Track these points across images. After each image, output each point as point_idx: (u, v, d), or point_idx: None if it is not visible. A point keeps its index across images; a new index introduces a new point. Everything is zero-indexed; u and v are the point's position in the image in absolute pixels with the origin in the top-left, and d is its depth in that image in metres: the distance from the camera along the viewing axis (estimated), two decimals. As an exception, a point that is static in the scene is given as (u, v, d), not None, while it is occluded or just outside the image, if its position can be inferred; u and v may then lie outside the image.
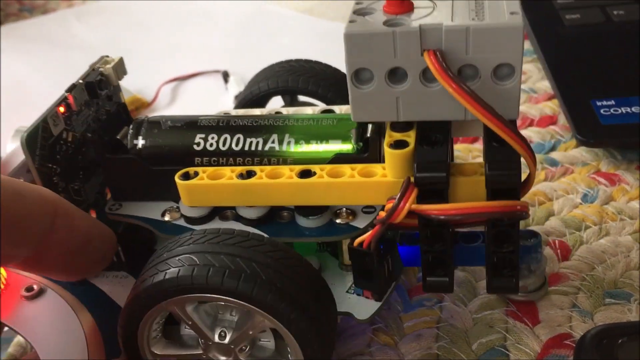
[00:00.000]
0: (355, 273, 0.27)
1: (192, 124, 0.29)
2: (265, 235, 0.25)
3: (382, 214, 0.24)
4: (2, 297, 0.29)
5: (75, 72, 0.31)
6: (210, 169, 0.27)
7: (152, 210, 0.29)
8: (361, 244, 0.25)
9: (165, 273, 0.24)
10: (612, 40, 0.46)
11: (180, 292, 0.24)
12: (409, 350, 0.29)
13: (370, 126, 0.28)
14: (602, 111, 0.39)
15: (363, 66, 0.24)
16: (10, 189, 0.23)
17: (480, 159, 0.40)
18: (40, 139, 0.27)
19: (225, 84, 0.52)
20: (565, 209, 0.36)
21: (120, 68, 0.31)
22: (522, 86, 0.46)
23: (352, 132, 0.28)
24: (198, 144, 0.29)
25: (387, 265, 0.27)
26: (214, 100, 0.51)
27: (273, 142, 0.28)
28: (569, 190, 0.37)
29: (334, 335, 0.27)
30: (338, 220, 0.27)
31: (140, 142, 0.29)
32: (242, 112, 0.33)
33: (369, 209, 0.28)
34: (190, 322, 0.25)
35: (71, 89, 0.29)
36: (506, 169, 0.23)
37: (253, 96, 0.36)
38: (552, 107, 0.45)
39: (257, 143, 0.28)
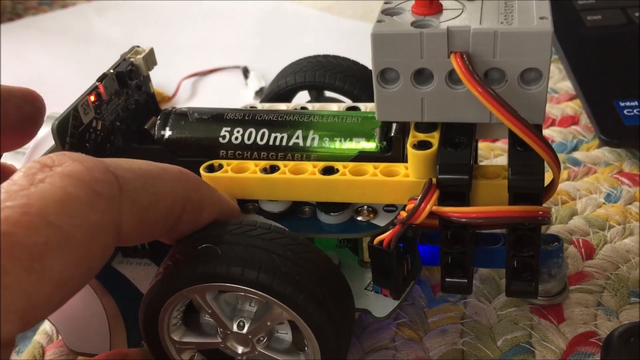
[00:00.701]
0: (374, 271, 0.27)
1: (219, 117, 0.30)
2: (286, 230, 0.25)
3: (403, 213, 0.24)
4: None
5: (95, 65, 0.31)
6: (234, 162, 0.28)
7: (177, 201, 0.30)
8: (381, 242, 0.26)
9: (188, 262, 0.24)
10: (633, 42, 0.46)
11: (202, 280, 0.24)
12: (433, 345, 0.29)
13: (394, 125, 0.28)
14: (625, 112, 0.39)
15: (389, 66, 0.24)
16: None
17: (503, 157, 0.41)
18: (70, 127, 0.27)
19: (245, 80, 0.53)
20: (588, 208, 0.36)
21: (150, 58, 0.31)
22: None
23: (376, 130, 0.28)
24: (224, 137, 0.29)
25: (406, 265, 0.27)
26: (234, 95, 0.51)
27: (297, 137, 0.28)
28: (592, 190, 0.37)
29: (352, 331, 0.27)
30: (359, 218, 0.28)
31: (167, 132, 0.30)
32: (267, 106, 0.34)
33: (390, 208, 0.28)
34: (210, 311, 0.26)
35: (102, 78, 0.29)
36: (529, 174, 0.23)
37: (280, 90, 0.36)
38: (573, 107, 0.45)
39: (282, 138, 0.29)
